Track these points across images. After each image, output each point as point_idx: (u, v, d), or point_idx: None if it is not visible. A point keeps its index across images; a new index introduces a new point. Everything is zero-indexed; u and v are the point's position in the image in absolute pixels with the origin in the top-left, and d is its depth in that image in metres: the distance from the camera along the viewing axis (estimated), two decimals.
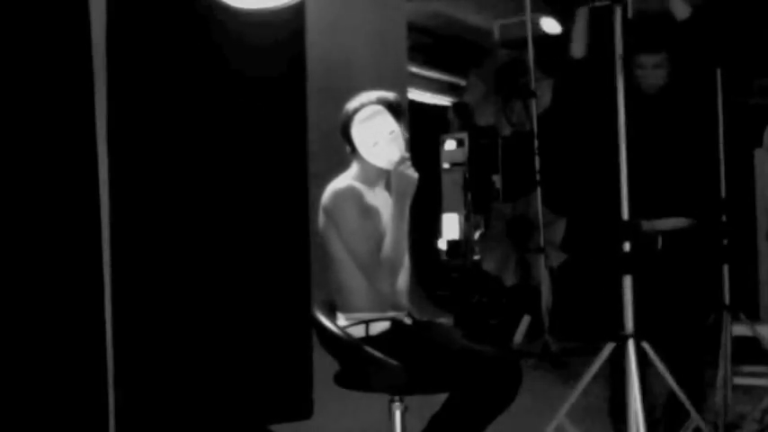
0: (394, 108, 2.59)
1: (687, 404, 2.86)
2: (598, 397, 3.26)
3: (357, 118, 2.57)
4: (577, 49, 3.31)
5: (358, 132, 2.56)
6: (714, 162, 3.58)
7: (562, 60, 3.42)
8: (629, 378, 2.71)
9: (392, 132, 2.56)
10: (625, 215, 2.77)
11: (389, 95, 2.61)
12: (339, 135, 2.63)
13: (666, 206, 3.26)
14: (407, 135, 2.62)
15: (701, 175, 3.40)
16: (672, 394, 2.93)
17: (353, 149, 2.60)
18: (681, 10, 3.17)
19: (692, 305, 3.34)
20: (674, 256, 3.25)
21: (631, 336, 2.73)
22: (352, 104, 2.60)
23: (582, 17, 3.27)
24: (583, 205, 5.50)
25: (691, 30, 3.19)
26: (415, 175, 2.52)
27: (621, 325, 2.75)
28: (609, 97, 2.81)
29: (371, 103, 2.58)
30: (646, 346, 2.76)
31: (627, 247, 2.79)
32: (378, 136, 2.55)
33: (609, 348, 2.80)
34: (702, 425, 2.91)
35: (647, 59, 3.27)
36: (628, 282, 2.77)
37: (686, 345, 3.27)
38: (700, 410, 3.10)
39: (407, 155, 2.55)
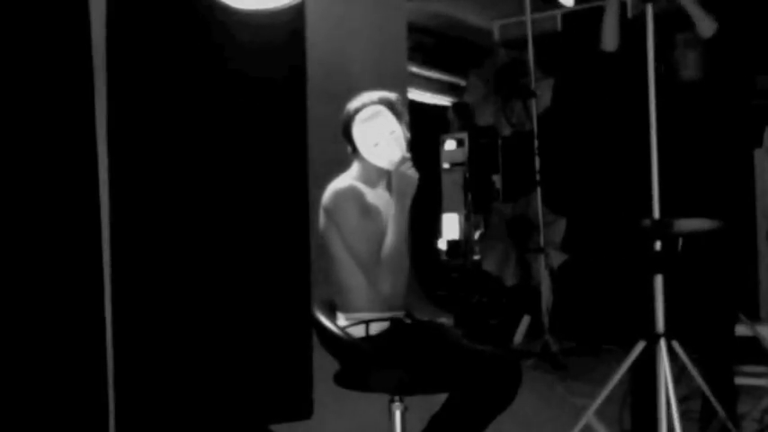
0: (395, 108, 2.59)
1: (714, 402, 2.85)
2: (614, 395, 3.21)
3: (358, 118, 2.57)
4: (609, 42, 3.14)
5: (359, 132, 2.56)
6: (745, 162, 3.47)
7: (593, 55, 3.23)
8: (660, 377, 2.70)
9: (393, 132, 2.56)
10: (656, 213, 2.76)
11: (391, 95, 2.61)
12: (340, 135, 2.63)
13: (691, 206, 3.08)
14: (408, 135, 2.62)
15: (731, 175, 3.23)
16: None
17: (354, 149, 2.60)
18: (706, 28, 2.99)
19: (714, 309, 3.19)
20: (694, 259, 3.07)
21: (663, 335, 2.74)
22: (353, 104, 2.60)
23: (612, 9, 3.12)
24: (600, 206, 5.46)
25: (719, 47, 3.03)
26: (415, 175, 2.52)
27: (645, 325, 2.73)
28: (644, 91, 2.76)
29: (373, 103, 2.58)
30: (676, 345, 2.76)
31: (657, 246, 2.78)
32: (379, 136, 2.55)
33: (640, 347, 2.80)
34: (729, 425, 2.90)
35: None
36: (659, 281, 2.77)
37: (709, 348, 3.17)
38: (732, 413, 3.07)
39: (408, 155, 2.56)
